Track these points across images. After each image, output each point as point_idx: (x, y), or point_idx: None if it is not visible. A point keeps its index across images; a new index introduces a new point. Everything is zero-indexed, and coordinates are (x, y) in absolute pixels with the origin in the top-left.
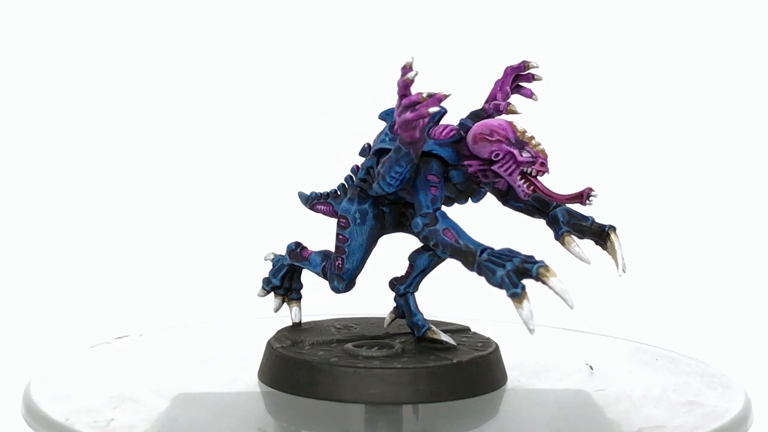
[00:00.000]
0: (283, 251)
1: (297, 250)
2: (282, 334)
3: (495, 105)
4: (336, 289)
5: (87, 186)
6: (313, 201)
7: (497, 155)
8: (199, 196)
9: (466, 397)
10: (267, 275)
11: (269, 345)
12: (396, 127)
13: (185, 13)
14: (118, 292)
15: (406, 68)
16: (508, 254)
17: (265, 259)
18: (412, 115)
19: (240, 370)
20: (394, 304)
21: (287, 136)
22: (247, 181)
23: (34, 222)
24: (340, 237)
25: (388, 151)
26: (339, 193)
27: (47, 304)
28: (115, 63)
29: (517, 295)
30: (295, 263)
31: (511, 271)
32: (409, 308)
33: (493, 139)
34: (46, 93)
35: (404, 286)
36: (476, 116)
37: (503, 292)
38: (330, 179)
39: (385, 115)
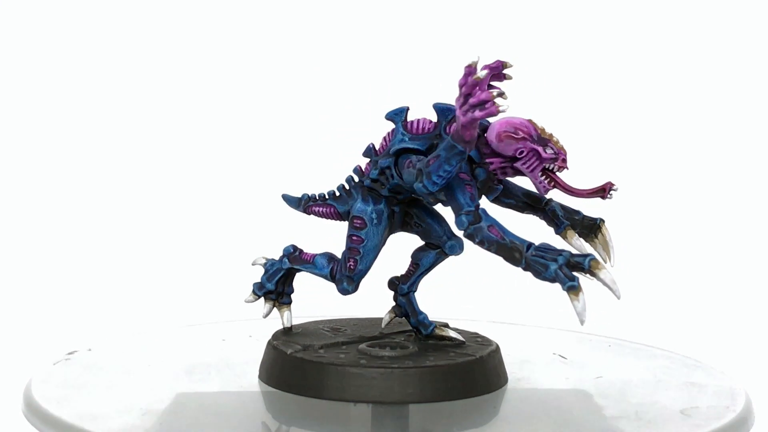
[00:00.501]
0: (262, 254)
1: (296, 253)
2: (284, 338)
3: None
4: (345, 291)
5: (78, 184)
6: (307, 203)
7: (522, 152)
8: (183, 198)
9: (488, 392)
10: (259, 280)
11: (278, 350)
12: (460, 124)
13: (182, 14)
14: (94, 297)
15: (472, 67)
16: (553, 249)
17: (255, 264)
18: (481, 113)
19: (237, 376)
20: (393, 304)
21: (275, 138)
22: (231, 183)
23: (29, 223)
24: (354, 238)
25: (410, 151)
26: (339, 194)
27: (40, 308)
28: (110, 65)
29: (575, 288)
30: (296, 266)
31: (564, 265)
32: (413, 307)
33: (519, 136)
34: (26, 101)
35: (407, 285)
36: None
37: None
38: (317, 181)
39: (393, 115)
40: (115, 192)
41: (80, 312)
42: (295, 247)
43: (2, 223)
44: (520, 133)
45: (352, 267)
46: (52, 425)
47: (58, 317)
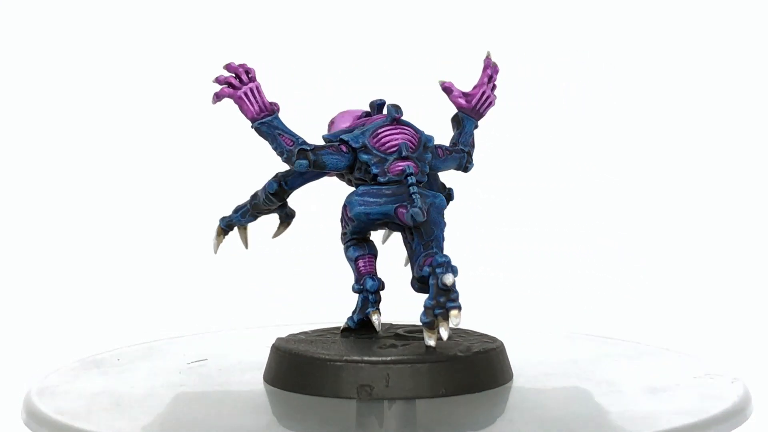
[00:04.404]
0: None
1: None
2: (331, 349)
3: (273, 104)
4: None
5: (81, 189)
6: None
7: None
8: (174, 202)
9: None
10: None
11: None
12: (492, 105)
13: (178, 15)
14: (95, 300)
15: (490, 57)
16: None
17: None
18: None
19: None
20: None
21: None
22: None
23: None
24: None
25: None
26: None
27: (41, 311)
28: (105, 65)
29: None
30: None
31: None
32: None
33: None
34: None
35: None
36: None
37: None
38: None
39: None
40: (114, 194)
41: (81, 314)
42: None
43: (4, 226)
44: None
45: None
46: (53, 428)
47: (59, 320)
